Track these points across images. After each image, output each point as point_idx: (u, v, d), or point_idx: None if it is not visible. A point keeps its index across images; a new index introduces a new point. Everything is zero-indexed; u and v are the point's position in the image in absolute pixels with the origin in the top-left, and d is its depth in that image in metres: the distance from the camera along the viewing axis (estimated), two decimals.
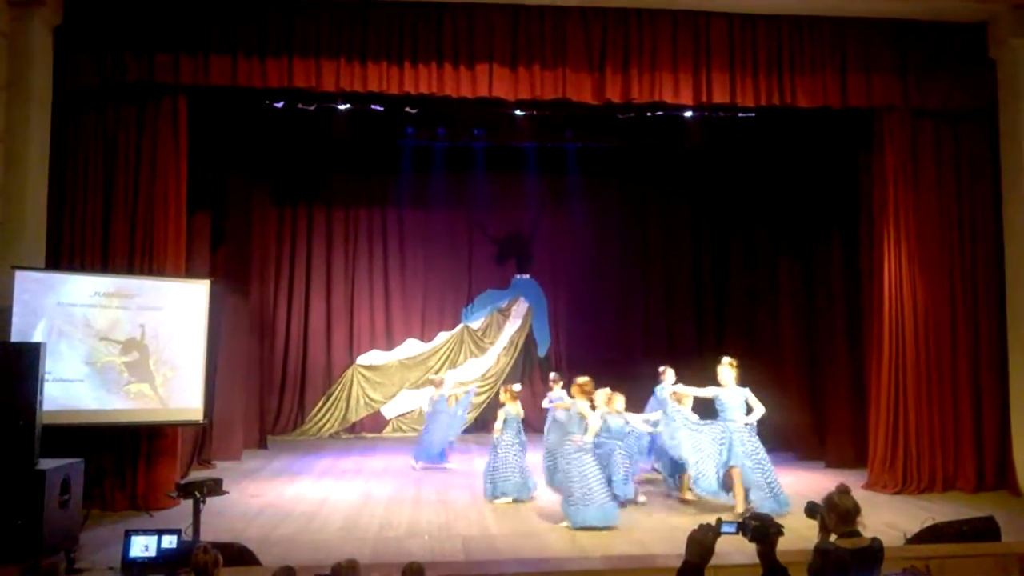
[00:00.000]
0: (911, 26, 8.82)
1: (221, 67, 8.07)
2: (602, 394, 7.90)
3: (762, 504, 7.21)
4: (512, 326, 13.72)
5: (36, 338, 7.04)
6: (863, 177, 9.38)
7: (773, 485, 7.37)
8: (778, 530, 2.95)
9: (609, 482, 7.38)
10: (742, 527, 2.95)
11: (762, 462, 7.41)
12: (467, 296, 13.79)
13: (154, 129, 8.15)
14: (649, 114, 9.49)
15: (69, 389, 7.39)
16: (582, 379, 7.42)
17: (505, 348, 13.61)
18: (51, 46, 7.98)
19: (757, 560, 3.04)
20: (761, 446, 7.50)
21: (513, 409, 8.48)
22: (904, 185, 8.90)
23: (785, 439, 11.07)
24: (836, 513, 3.63)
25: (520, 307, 13.75)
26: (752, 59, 8.60)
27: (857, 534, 3.60)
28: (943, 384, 8.81)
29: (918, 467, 8.67)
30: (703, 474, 7.43)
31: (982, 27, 8.95)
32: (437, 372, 13.27)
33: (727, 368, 7.55)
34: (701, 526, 2.77)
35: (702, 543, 2.71)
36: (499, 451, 8.33)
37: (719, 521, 2.83)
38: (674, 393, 7.84)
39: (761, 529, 2.93)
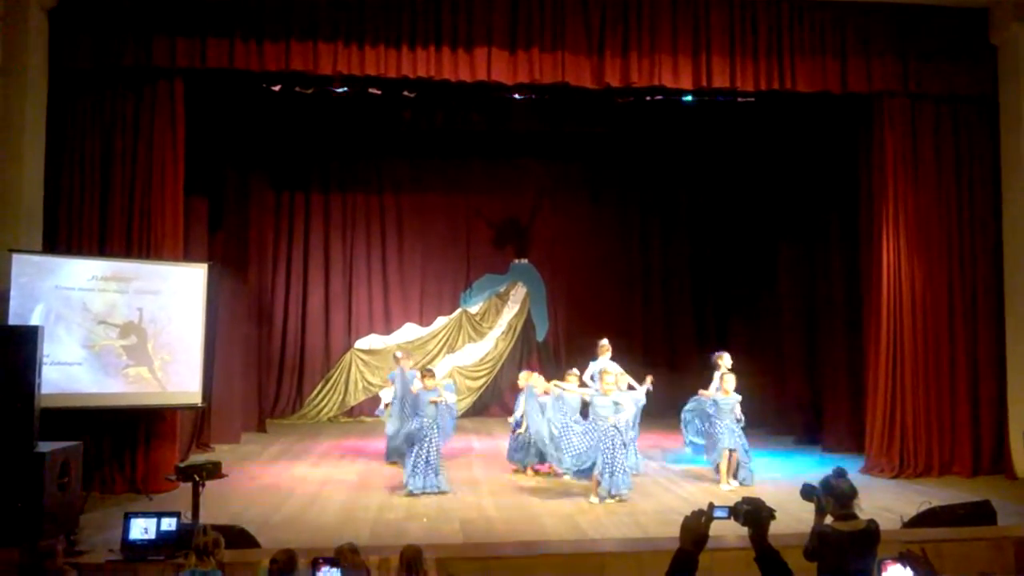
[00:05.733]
0: (912, 11, 8.79)
1: (218, 50, 8.04)
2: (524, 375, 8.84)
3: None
4: (510, 311, 13.71)
5: (34, 321, 7.02)
6: (863, 163, 9.34)
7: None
8: (770, 514, 2.95)
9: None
10: (734, 512, 2.94)
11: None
12: (465, 281, 13.76)
13: (151, 112, 8.12)
14: (648, 99, 9.44)
15: (68, 372, 7.40)
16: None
17: (503, 333, 13.61)
18: (47, 29, 7.94)
19: (749, 544, 3.05)
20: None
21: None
22: (904, 170, 8.89)
23: (784, 423, 11.14)
24: (833, 496, 3.65)
25: (518, 292, 13.73)
26: (752, 43, 8.57)
27: (854, 517, 3.62)
28: (940, 369, 8.84)
29: (915, 451, 8.71)
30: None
31: (983, 12, 8.91)
32: (436, 357, 13.26)
33: (731, 379, 8.31)
34: (694, 512, 2.76)
35: (695, 530, 2.71)
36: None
37: (711, 506, 2.83)
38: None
39: (753, 513, 2.93)
